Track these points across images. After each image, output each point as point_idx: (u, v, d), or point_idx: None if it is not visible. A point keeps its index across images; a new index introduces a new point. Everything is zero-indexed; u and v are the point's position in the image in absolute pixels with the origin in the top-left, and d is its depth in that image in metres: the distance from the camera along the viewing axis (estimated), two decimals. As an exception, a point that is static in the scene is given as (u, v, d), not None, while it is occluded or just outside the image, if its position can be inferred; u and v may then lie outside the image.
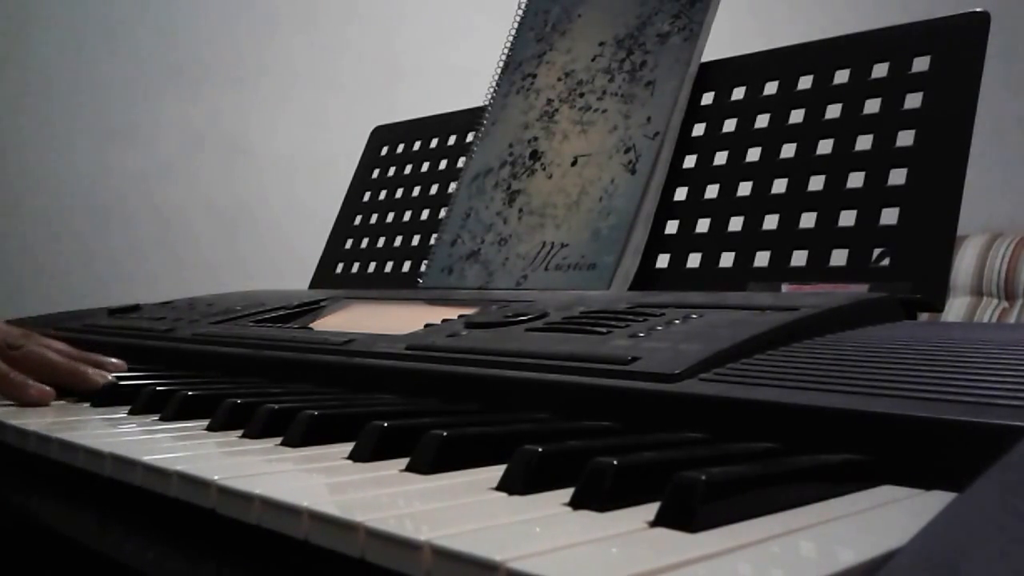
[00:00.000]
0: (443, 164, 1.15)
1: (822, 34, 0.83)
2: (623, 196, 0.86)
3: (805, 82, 0.82)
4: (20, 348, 0.71)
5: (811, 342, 0.53)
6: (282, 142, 2.33)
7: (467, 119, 1.12)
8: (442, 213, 1.07)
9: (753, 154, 0.83)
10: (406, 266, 1.11)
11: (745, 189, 0.81)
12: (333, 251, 1.24)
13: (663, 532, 0.31)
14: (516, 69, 1.04)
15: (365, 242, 1.20)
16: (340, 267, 1.21)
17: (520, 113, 1.00)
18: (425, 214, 1.13)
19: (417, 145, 1.20)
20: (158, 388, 0.63)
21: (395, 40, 2.38)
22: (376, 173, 1.24)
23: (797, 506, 0.34)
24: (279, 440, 0.50)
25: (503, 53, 1.06)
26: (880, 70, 0.77)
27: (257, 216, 2.31)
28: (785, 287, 0.74)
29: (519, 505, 0.35)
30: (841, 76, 0.80)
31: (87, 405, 0.66)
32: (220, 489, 0.39)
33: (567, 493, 0.35)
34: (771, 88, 0.84)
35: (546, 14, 1.04)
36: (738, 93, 0.87)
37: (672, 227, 0.86)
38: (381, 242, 1.17)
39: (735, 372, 0.48)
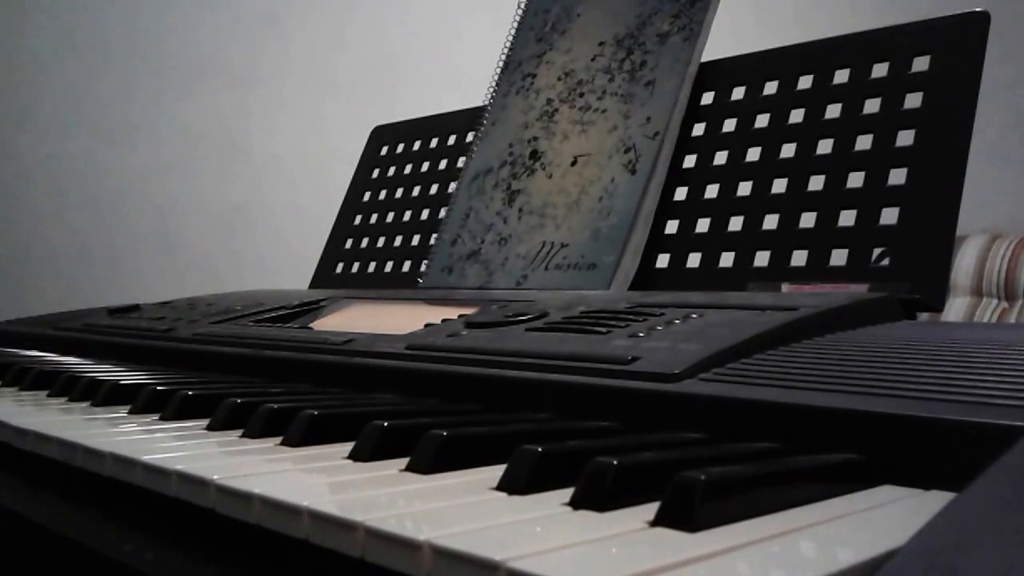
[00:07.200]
0: (443, 164, 1.15)
1: (822, 34, 0.83)
2: (623, 196, 0.86)
3: (805, 82, 0.82)
4: None
5: (811, 342, 0.53)
6: (281, 142, 2.33)
7: (467, 119, 1.12)
8: (442, 213, 1.07)
9: (753, 154, 0.83)
10: (406, 266, 1.11)
11: (745, 189, 0.81)
12: (333, 251, 1.24)
13: (663, 532, 0.31)
14: (516, 69, 1.04)
15: (365, 242, 1.20)
16: (340, 267, 1.21)
17: (520, 113, 1.00)
18: (425, 214, 1.13)
19: (417, 145, 1.20)
20: (158, 388, 0.63)
21: (394, 40, 2.38)
22: (376, 173, 1.24)
23: (797, 506, 0.34)
24: (279, 440, 0.50)
25: (503, 53, 1.06)
26: (880, 70, 0.77)
27: (256, 216, 2.31)
28: (785, 287, 0.74)
29: (519, 505, 0.35)
30: (841, 76, 0.80)
31: (87, 404, 0.66)
32: (219, 489, 0.39)
33: (567, 493, 0.35)
34: (771, 88, 0.84)
35: (546, 14, 1.04)
36: (738, 93, 0.87)
37: (672, 227, 0.86)
38: (381, 242, 1.17)
39: (735, 372, 0.48)
